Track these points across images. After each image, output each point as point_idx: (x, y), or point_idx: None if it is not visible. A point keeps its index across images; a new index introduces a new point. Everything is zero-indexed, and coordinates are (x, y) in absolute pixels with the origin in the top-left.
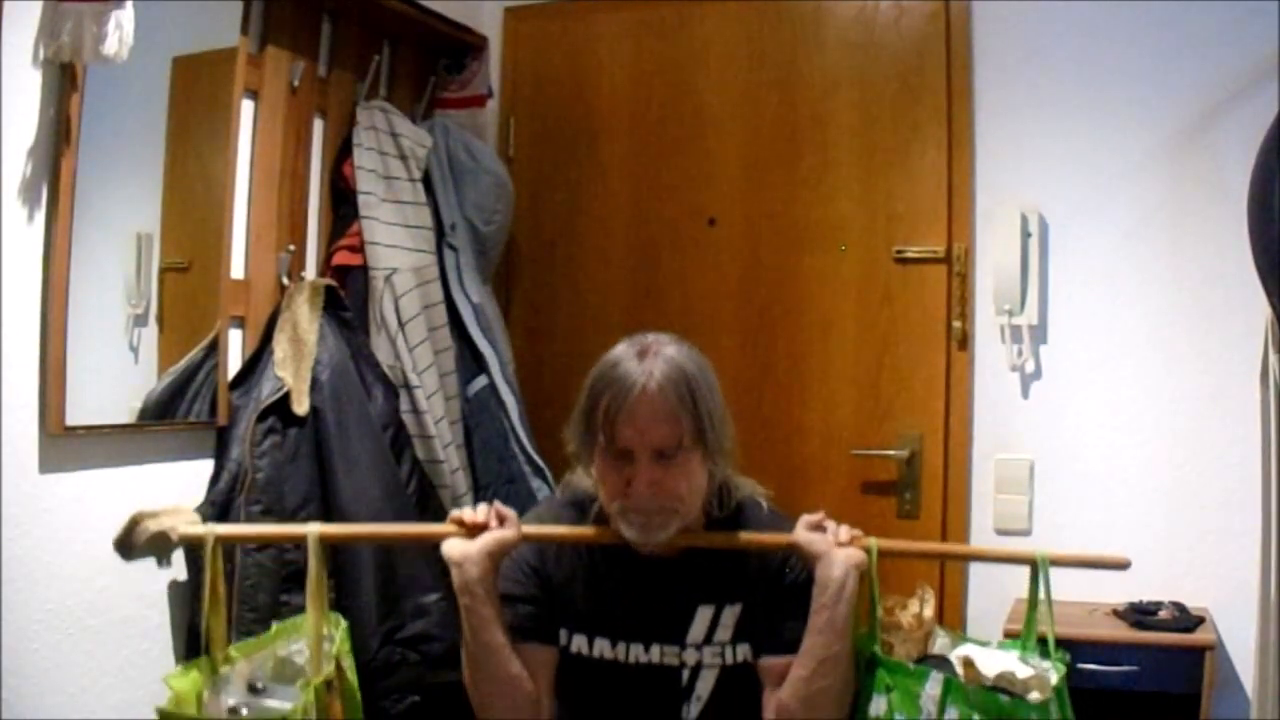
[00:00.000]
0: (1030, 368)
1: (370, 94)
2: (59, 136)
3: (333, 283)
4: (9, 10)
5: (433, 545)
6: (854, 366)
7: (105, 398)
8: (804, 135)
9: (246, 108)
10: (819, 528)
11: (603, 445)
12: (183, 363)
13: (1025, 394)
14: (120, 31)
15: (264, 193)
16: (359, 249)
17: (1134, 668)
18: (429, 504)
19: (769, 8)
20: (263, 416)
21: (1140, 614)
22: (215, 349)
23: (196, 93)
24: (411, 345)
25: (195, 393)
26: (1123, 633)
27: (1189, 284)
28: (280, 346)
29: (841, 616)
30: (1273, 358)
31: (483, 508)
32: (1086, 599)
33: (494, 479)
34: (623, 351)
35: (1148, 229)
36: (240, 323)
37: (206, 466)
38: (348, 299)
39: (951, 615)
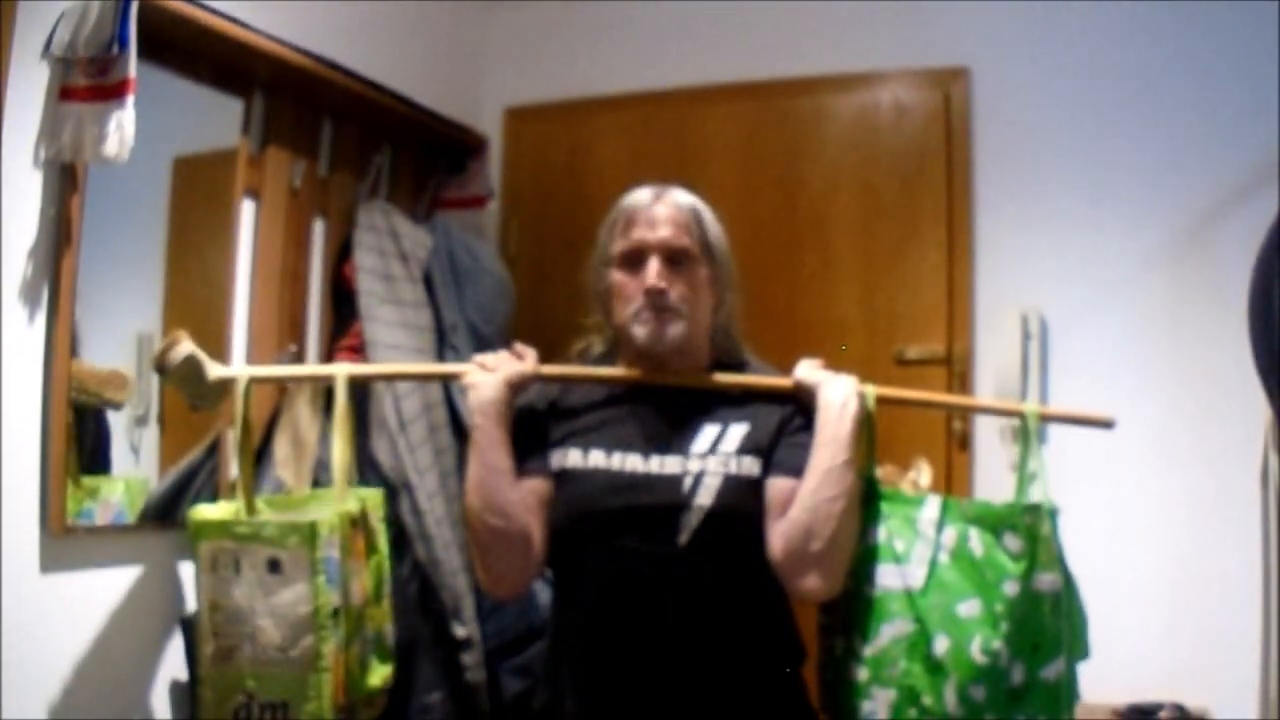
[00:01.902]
0: (1034, 469)
1: (371, 194)
2: (60, 237)
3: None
4: (10, 111)
5: (438, 644)
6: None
7: None
8: (804, 235)
9: (247, 208)
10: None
11: (617, 254)
12: (184, 463)
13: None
14: (121, 132)
15: (265, 292)
16: (360, 349)
17: None
18: (430, 605)
19: (769, 108)
20: None
21: (1141, 715)
22: (216, 450)
23: (197, 193)
24: (413, 446)
25: (196, 493)
26: None
27: (1189, 385)
28: (281, 447)
29: (846, 431)
30: (1273, 459)
31: (503, 352)
32: (1087, 700)
33: None
34: (639, 188)
35: (1148, 330)
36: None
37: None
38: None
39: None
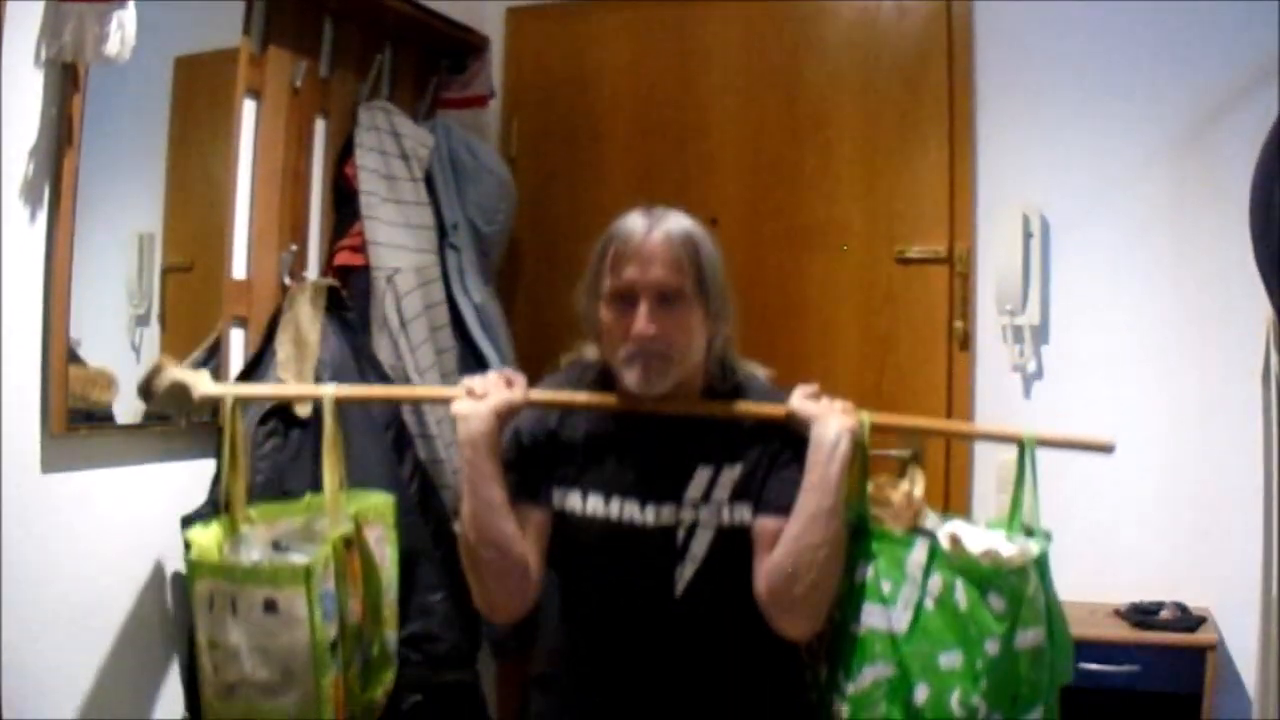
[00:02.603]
0: (1032, 368)
1: (372, 94)
2: (61, 137)
3: (335, 283)
4: (10, 11)
5: (437, 541)
6: (856, 367)
7: None
8: (805, 135)
9: (248, 108)
10: (814, 398)
11: (608, 291)
12: (185, 363)
13: (1027, 394)
14: (122, 32)
15: (266, 193)
16: (361, 249)
17: (1136, 668)
18: (430, 504)
19: (770, 8)
20: (265, 418)
21: (1142, 614)
22: (217, 349)
23: (198, 93)
24: (414, 345)
25: None
26: (1125, 633)
27: (1190, 284)
28: (283, 347)
29: (834, 475)
30: (1274, 357)
31: (492, 374)
32: (1089, 599)
33: None
34: (632, 212)
35: (1149, 228)
36: (242, 323)
37: (209, 466)
38: (350, 299)
39: (957, 499)
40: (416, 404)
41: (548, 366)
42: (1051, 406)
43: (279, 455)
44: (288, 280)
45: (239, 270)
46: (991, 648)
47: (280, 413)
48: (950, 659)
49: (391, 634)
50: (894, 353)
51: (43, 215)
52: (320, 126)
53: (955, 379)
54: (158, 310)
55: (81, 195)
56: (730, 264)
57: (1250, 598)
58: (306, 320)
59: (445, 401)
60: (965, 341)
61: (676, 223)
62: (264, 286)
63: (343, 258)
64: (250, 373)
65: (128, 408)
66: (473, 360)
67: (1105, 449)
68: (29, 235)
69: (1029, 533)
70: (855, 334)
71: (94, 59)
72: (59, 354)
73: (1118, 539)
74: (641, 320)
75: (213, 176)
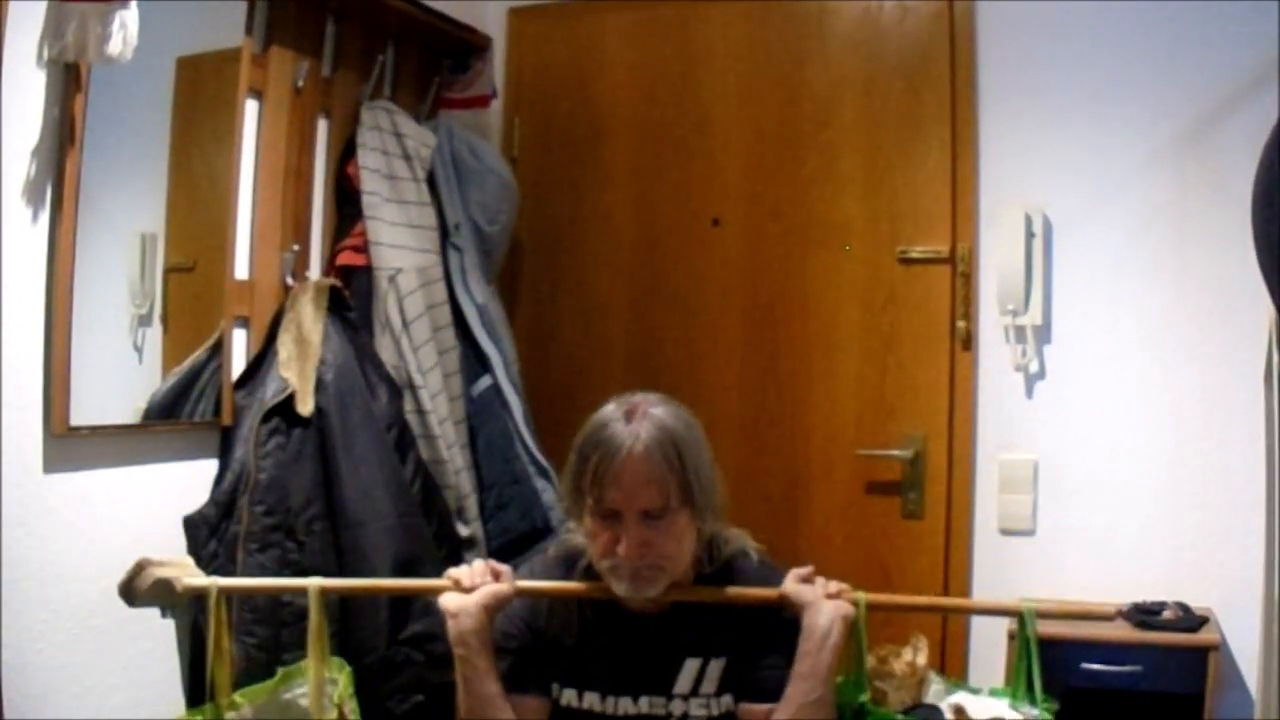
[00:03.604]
0: (1034, 368)
1: (374, 94)
2: (63, 137)
3: (337, 283)
4: (13, 11)
5: (439, 541)
6: (858, 367)
7: (109, 398)
8: (808, 135)
9: (251, 108)
10: (807, 580)
11: (591, 505)
12: (187, 363)
13: (1029, 394)
14: (124, 31)
15: (268, 193)
16: (363, 249)
17: (1137, 668)
18: (433, 504)
19: (773, 7)
20: (267, 417)
21: (1144, 614)
22: (219, 349)
23: (201, 93)
24: (416, 345)
25: (199, 393)
26: (1126, 633)
27: (1193, 284)
28: (285, 347)
29: (825, 664)
30: (1276, 357)
31: (479, 564)
32: (1092, 598)
33: (498, 479)
34: (610, 413)
35: (1152, 228)
36: (244, 323)
37: (210, 467)
38: (352, 299)
39: (954, 658)
40: (411, 593)
41: (549, 368)
42: (1054, 407)
43: (282, 454)
44: (290, 280)
45: (241, 270)
46: None
47: (282, 411)
48: None
49: None
50: (896, 352)
51: (45, 215)
52: (322, 126)
53: (957, 379)
54: (160, 310)
55: (84, 195)
56: (732, 264)
57: (1252, 598)
58: (308, 320)
59: (434, 593)
60: (967, 341)
61: (657, 427)
62: (266, 286)
63: (345, 258)
64: (252, 373)
65: (127, 408)
66: (475, 360)
67: (1107, 617)
68: (31, 235)
69: (1033, 701)
70: (857, 334)
71: (96, 59)
72: (61, 354)
73: (1120, 539)
74: (628, 544)
75: (215, 176)
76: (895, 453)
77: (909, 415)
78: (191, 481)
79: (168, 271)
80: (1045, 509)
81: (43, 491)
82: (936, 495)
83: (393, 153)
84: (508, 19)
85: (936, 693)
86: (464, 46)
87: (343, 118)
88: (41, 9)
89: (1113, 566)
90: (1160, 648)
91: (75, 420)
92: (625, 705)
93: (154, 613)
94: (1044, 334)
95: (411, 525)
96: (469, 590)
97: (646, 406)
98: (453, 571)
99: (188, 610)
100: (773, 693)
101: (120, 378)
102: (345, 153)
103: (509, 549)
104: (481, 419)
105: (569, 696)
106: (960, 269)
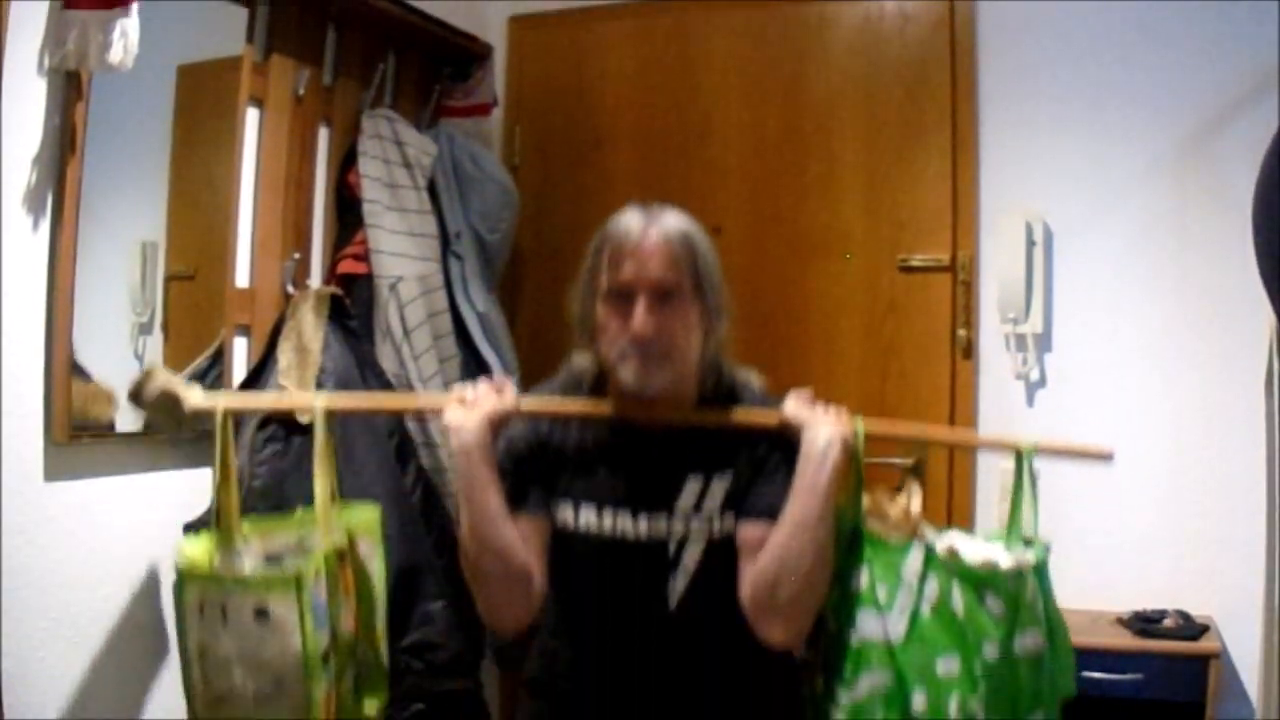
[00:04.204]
0: (1035, 376)
1: (375, 102)
2: (64, 145)
3: (338, 291)
4: (14, 19)
5: (440, 550)
6: (859, 374)
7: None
8: (809, 143)
9: (251, 116)
10: (808, 404)
11: (604, 289)
12: (187, 371)
13: (1030, 402)
14: (125, 40)
15: (269, 201)
16: (364, 257)
17: (1139, 676)
18: (434, 512)
19: (773, 15)
20: (264, 424)
21: (1145, 622)
22: (220, 357)
23: (201, 101)
24: (417, 353)
25: None
26: (1127, 641)
27: (1193, 292)
28: (285, 355)
29: (824, 482)
30: (1276, 365)
31: (482, 384)
32: (1091, 607)
33: None
34: (628, 210)
35: (1152, 237)
36: (245, 331)
37: (210, 475)
38: (353, 307)
39: (960, 511)
40: (414, 414)
41: (551, 375)
42: (1054, 415)
43: (279, 462)
44: (290, 288)
45: (242, 278)
46: (990, 651)
47: (281, 419)
48: (948, 665)
49: (384, 649)
50: (897, 360)
51: (46, 223)
52: (323, 134)
53: (958, 387)
54: (160, 319)
55: (84, 203)
56: (733, 271)
57: (1253, 606)
58: (309, 329)
59: (437, 409)
60: (968, 350)
61: (673, 221)
62: (267, 295)
63: (346, 266)
64: (253, 381)
65: (128, 417)
66: (476, 368)
67: (1104, 457)
68: (32, 243)
69: (1028, 543)
70: (858, 342)
71: (97, 67)
72: (62, 363)
73: (1120, 546)
74: (639, 318)
75: (215, 184)
76: (896, 460)
77: (905, 421)
78: (192, 489)
79: (168, 279)
80: (1046, 517)
81: (43, 500)
82: (937, 503)
83: (394, 161)
84: (508, 27)
85: (929, 540)
86: (465, 55)
87: (344, 126)
88: (42, 17)
89: (1113, 574)
90: (1161, 656)
91: (76, 428)
92: (624, 523)
93: (151, 621)
94: (1044, 342)
95: (412, 533)
96: (472, 407)
97: (664, 209)
98: (457, 388)
99: (193, 427)
100: (772, 512)
101: (121, 385)
102: (346, 161)
103: None
104: None
105: (566, 513)
106: (961, 277)
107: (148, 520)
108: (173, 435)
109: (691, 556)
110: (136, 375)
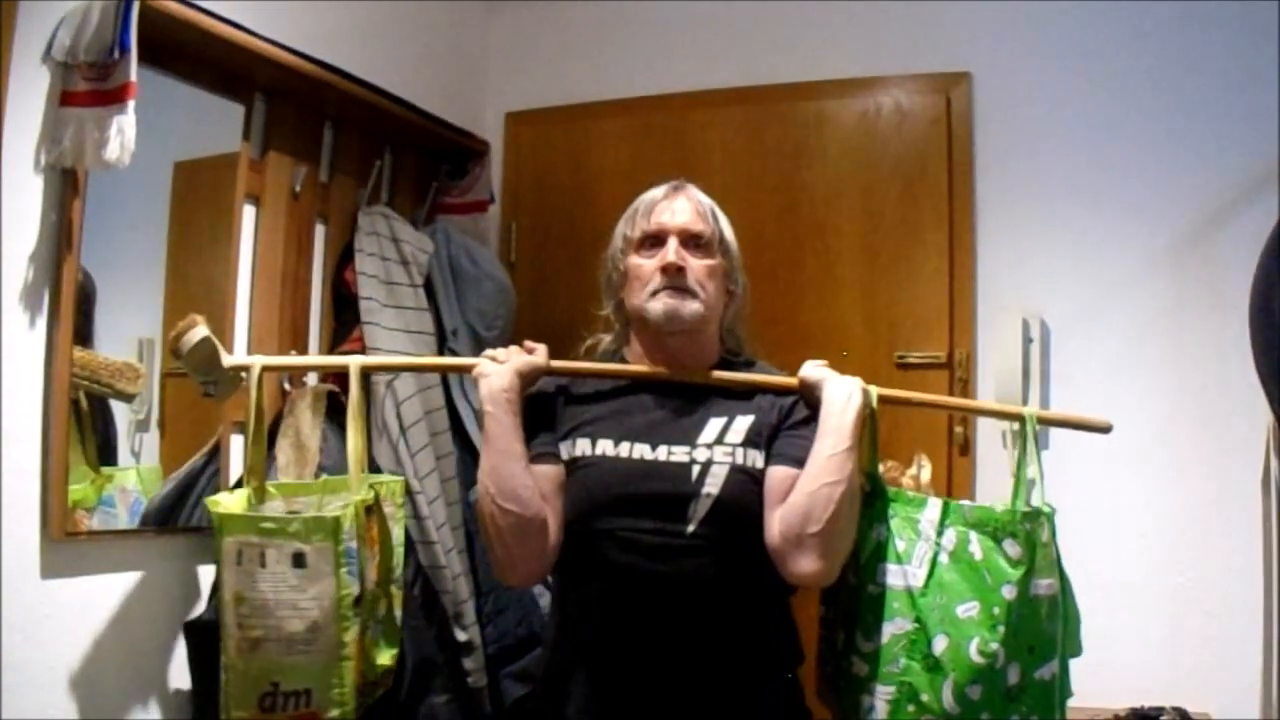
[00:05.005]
0: (1032, 473)
1: (372, 199)
2: (61, 242)
3: (335, 388)
4: (11, 115)
5: (443, 644)
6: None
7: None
8: (806, 239)
9: (248, 213)
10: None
11: (637, 238)
12: (184, 468)
13: (1028, 500)
14: (122, 137)
15: (266, 297)
16: (360, 354)
17: None
18: (433, 610)
19: (770, 112)
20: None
21: (1143, 719)
22: (217, 455)
23: (198, 198)
24: (413, 450)
25: (197, 498)
26: None
27: (1190, 390)
28: (283, 452)
29: (849, 422)
30: (1274, 464)
31: (513, 347)
32: (1090, 704)
33: (496, 585)
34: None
35: (1149, 334)
36: (242, 428)
37: (209, 572)
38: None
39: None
40: (446, 370)
41: None
42: None
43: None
44: (287, 386)
45: None
46: (1009, 593)
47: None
48: (968, 609)
49: (398, 606)
50: (894, 458)
51: (42, 321)
52: (320, 231)
53: (955, 484)
54: (157, 416)
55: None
56: None
57: (1251, 703)
58: (306, 425)
59: (469, 369)
60: (965, 447)
61: (701, 193)
62: (266, 392)
63: None
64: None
65: (126, 516)
66: (472, 464)
67: (1103, 429)
68: (29, 340)
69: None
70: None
71: (94, 164)
72: (59, 460)
73: (1118, 643)
74: (670, 252)
75: (212, 281)
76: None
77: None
78: (190, 587)
79: (165, 376)
80: None
81: (40, 597)
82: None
83: (390, 258)
84: (505, 123)
85: None
86: (461, 151)
87: (340, 223)
88: (39, 113)
89: (1111, 671)
90: None
91: (73, 526)
92: (643, 450)
93: (150, 718)
94: (1042, 439)
95: (417, 628)
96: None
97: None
98: (489, 350)
99: (230, 386)
100: (799, 461)
101: (145, 370)
102: (343, 258)
103: (506, 654)
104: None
105: (583, 446)
106: (958, 374)
107: (146, 617)
108: (169, 531)
109: (715, 481)
110: (177, 326)
